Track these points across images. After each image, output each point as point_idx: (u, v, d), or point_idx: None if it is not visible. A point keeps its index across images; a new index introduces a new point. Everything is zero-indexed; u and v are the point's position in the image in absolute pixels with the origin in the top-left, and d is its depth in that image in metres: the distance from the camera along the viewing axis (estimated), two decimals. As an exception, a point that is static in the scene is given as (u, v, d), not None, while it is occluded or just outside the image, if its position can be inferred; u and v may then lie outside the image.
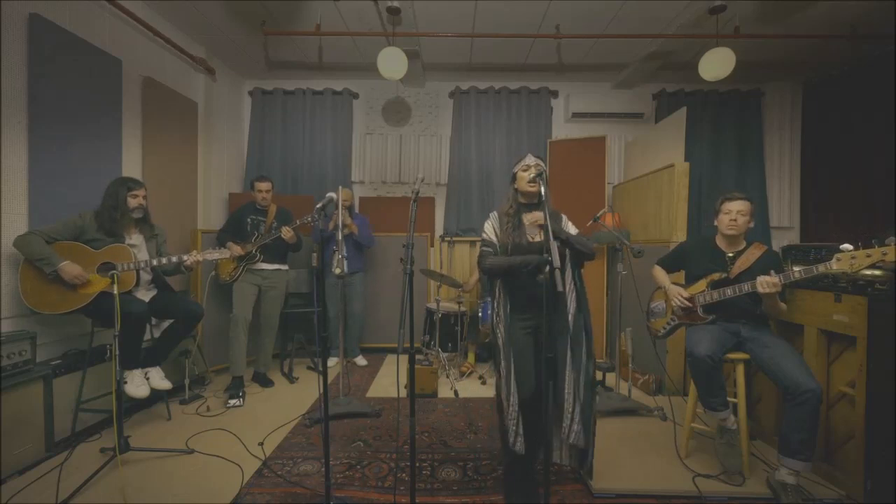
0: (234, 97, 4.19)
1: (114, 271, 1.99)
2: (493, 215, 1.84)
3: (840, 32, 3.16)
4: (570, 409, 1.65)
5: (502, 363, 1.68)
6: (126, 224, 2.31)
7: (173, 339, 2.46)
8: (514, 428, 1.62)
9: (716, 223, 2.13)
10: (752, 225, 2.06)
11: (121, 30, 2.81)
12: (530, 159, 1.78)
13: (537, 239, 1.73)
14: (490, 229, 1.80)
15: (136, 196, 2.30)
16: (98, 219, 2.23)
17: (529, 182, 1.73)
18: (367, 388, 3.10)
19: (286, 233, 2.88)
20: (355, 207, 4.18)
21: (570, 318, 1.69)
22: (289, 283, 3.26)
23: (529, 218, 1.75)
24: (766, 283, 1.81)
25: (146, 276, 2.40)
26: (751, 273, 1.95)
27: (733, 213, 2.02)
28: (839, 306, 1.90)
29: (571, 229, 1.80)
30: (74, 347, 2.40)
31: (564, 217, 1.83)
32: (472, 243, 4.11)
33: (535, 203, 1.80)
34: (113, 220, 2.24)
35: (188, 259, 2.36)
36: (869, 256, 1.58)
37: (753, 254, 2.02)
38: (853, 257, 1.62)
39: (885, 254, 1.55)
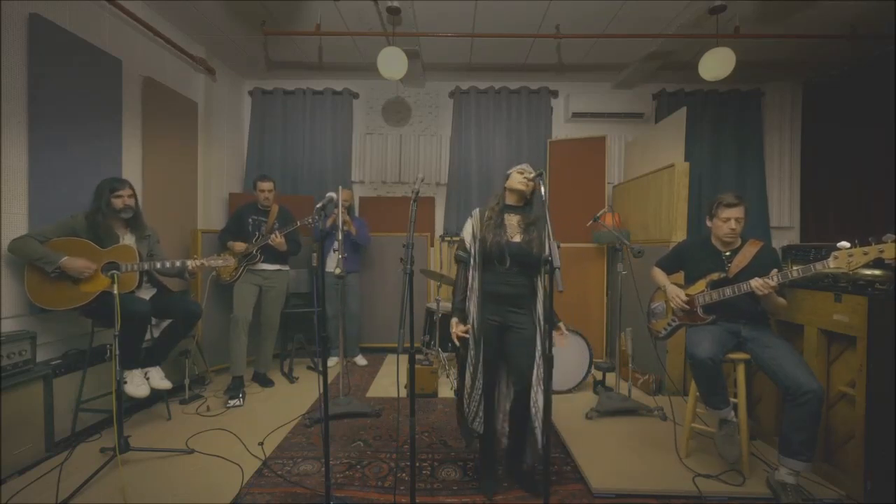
0: (234, 97, 4.19)
1: (114, 272, 1.99)
2: (476, 213, 1.88)
3: (840, 32, 3.16)
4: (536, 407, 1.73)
5: (471, 350, 1.76)
6: (115, 225, 2.30)
7: (173, 338, 2.47)
8: (474, 409, 1.76)
9: (709, 224, 2.11)
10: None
11: (121, 30, 2.81)
12: (526, 166, 1.87)
13: (516, 239, 1.79)
14: (469, 230, 1.85)
15: (119, 196, 2.26)
16: (88, 220, 2.22)
17: (522, 181, 1.81)
18: (367, 388, 3.10)
19: (274, 240, 2.88)
20: (355, 207, 4.18)
21: (539, 319, 1.76)
22: (289, 283, 3.26)
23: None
24: (760, 285, 1.82)
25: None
26: (749, 271, 1.95)
27: (731, 220, 2.00)
28: (839, 306, 1.90)
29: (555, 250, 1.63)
30: (74, 347, 2.40)
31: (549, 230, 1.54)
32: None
33: (520, 206, 1.87)
34: (99, 222, 2.22)
35: (191, 265, 2.36)
36: (866, 254, 1.58)
37: (750, 251, 2.01)
38: (850, 255, 1.62)
39: (881, 251, 1.54)
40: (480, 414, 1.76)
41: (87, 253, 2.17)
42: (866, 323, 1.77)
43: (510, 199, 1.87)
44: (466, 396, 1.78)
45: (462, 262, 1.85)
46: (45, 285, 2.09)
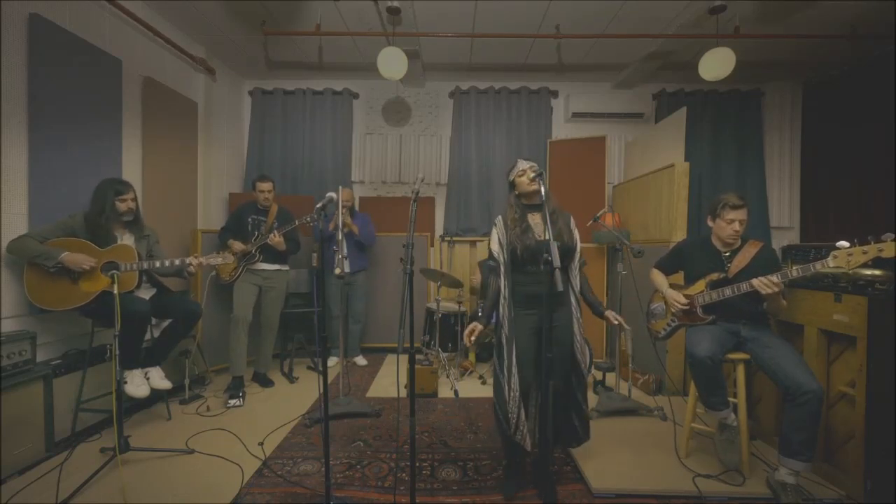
0: (234, 97, 4.19)
1: (114, 271, 1.99)
2: (500, 221, 1.86)
3: (840, 32, 3.16)
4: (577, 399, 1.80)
5: (505, 357, 1.73)
6: (115, 226, 2.29)
7: (173, 338, 2.47)
8: (514, 420, 1.70)
9: (710, 223, 2.11)
10: None
11: (121, 30, 2.81)
12: (523, 164, 1.84)
13: (546, 236, 1.76)
14: (496, 239, 1.83)
15: (124, 200, 2.27)
16: (87, 220, 2.22)
17: (530, 182, 1.78)
18: (367, 388, 3.10)
19: (273, 239, 2.88)
20: (356, 207, 4.18)
21: (573, 317, 1.80)
22: (289, 283, 3.26)
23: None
24: (767, 283, 1.81)
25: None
26: (749, 271, 1.94)
27: (736, 223, 1.99)
28: (839, 306, 1.90)
29: (575, 233, 1.86)
30: (74, 347, 2.40)
31: (572, 220, 1.89)
32: (472, 243, 4.11)
33: (537, 203, 1.84)
34: (100, 223, 2.22)
35: (191, 264, 2.36)
36: (865, 253, 1.58)
37: (749, 251, 2.01)
38: (850, 254, 1.61)
39: (880, 250, 1.54)
40: (521, 426, 1.70)
41: (87, 252, 2.17)
42: (866, 323, 1.77)
43: (525, 200, 1.85)
44: (507, 403, 1.72)
45: (493, 272, 1.85)
46: (44, 285, 2.08)
